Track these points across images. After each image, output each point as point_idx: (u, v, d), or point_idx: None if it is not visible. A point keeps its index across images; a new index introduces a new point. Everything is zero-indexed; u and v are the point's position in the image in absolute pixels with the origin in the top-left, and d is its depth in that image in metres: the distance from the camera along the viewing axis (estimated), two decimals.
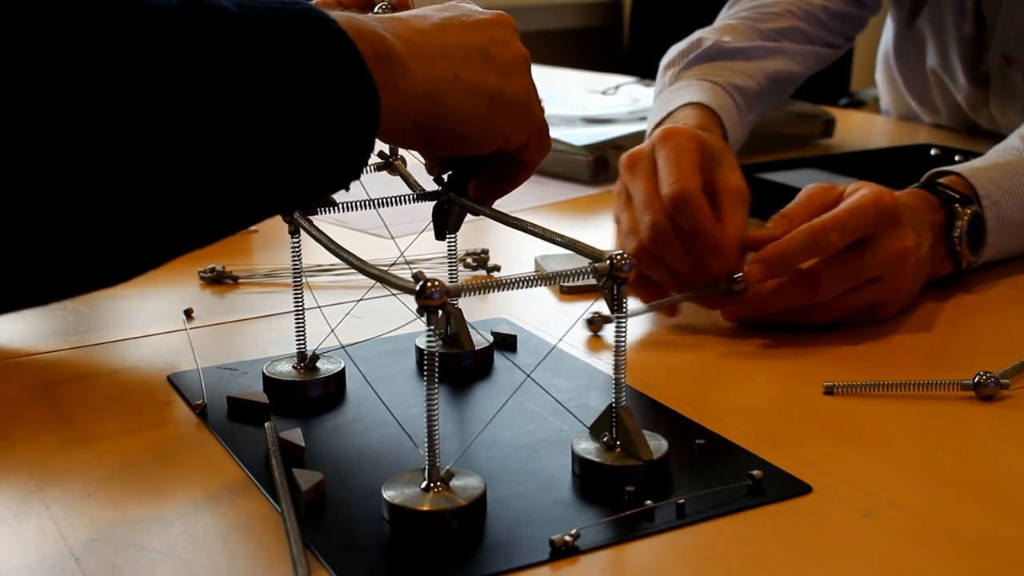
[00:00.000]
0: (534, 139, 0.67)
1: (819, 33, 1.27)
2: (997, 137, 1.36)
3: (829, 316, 0.81)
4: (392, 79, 0.57)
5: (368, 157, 0.58)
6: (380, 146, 0.76)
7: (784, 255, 0.79)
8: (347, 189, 0.59)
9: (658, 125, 1.05)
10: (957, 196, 0.88)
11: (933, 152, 1.27)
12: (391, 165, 0.77)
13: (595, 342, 0.81)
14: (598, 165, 1.26)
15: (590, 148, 1.27)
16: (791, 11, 1.26)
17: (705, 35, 1.20)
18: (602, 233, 1.09)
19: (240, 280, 0.95)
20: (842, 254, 0.80)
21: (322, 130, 0.54)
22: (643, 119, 1.39)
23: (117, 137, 0.46)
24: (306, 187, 0.56)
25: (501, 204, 0.69)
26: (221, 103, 0.50)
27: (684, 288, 0.83)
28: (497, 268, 0.98)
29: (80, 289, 0.50)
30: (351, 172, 0.57)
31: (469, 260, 0.97)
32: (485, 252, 0.98)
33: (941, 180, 0.91)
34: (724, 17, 1.29)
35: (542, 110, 0.68)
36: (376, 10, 0.76)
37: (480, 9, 0.67)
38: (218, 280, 0.95)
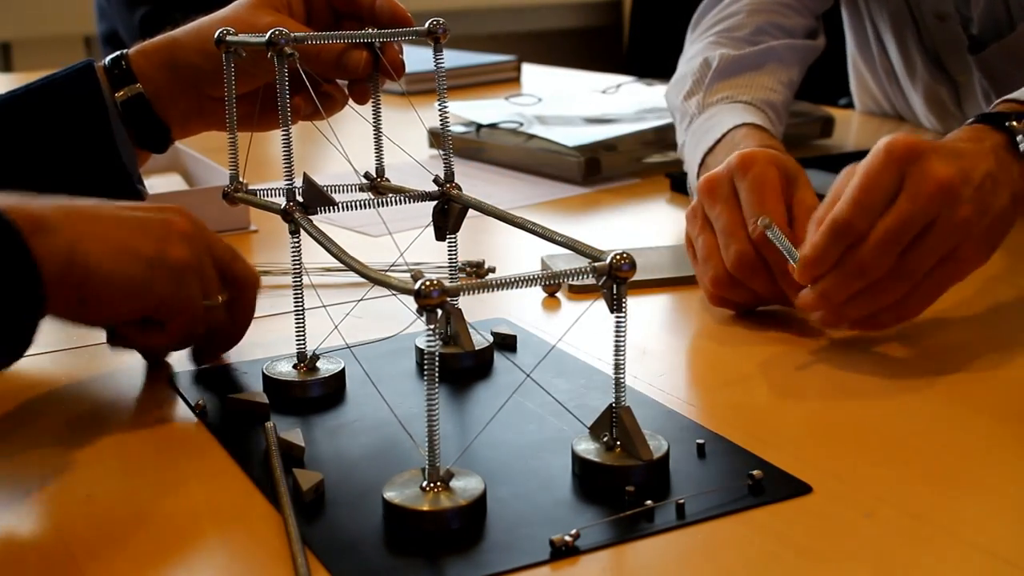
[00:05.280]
0: (184, 316, 0.70)
1: (790, 20, 1.25)
2: None
3: (908, 289, 0.73)
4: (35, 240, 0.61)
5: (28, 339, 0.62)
6: (366, 167, 0.76)
7: (814, 262, 0.74)
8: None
9: (710, 151, 1.02)
10: (1011, 114, 0.80)
11: None
12: (375, 187, 0.76)
13: (595, 342, 0.80)
14: (590, 166, 1.26)
15: (582, 149, 1.27)
16: (756, 8, 1.24)
17: (709, 55, 1.17)
18: (595, 233, 1.09)
19: None
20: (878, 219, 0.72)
21: None
22: (642, 119, 1.39)
23: None
24: None
25: (498, 201, 0.69)
26: None
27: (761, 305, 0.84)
28: (492, 270, 0.97)
29: None
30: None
31: (468, 270, 0.96)
32: (482, 264, 0.96)
33: (988, 111, 0.82)
34: (696, 42, 1.25)
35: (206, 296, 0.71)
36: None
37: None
38: None
